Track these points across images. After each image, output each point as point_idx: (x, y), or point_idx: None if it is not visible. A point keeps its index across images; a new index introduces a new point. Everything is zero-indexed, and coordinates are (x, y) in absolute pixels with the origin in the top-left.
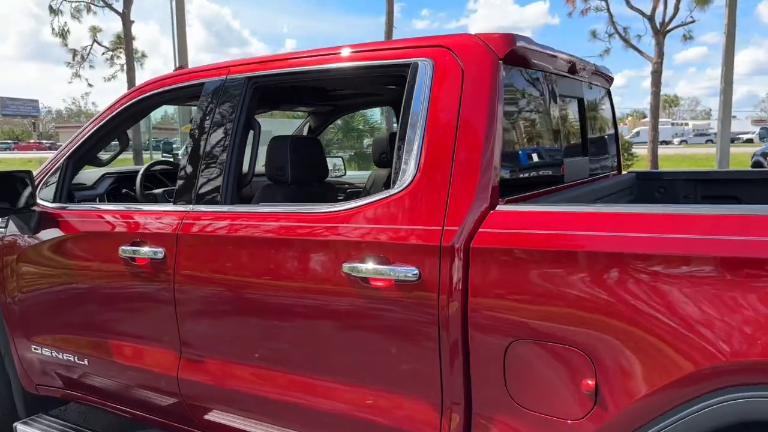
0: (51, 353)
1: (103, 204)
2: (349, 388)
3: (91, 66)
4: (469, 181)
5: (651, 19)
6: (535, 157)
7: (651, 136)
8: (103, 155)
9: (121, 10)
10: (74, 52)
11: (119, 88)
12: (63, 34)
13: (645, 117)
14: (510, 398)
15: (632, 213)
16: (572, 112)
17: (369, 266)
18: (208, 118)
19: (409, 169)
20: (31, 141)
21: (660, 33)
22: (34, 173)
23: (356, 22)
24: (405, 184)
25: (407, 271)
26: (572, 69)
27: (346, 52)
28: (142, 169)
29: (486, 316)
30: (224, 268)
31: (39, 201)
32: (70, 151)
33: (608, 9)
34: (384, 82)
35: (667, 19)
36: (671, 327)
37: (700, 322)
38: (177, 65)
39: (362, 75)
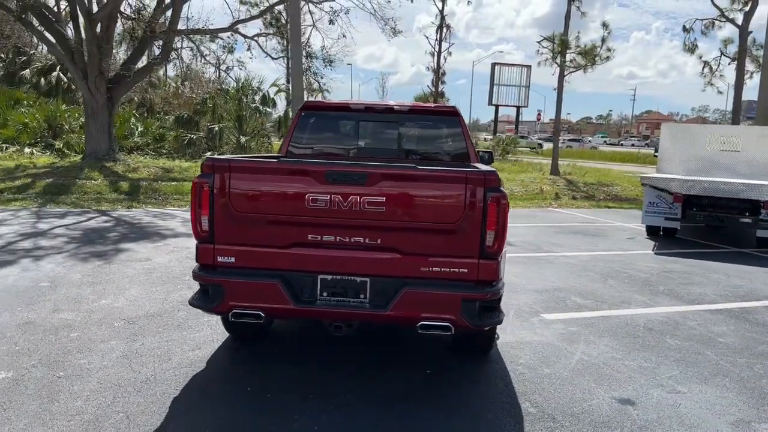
0: None
1: None
2: None
3: (721, 75)
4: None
5: None
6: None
7: None
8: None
9: (740, 23)
10: (705, 64)
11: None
12: (692, 48)
13: None
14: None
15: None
16: (384, 128)
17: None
18: None
19: None
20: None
21: None
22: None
23: None
24: None
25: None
26: (369, 109)
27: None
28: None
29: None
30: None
31: None
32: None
33: None
34: None
35: None
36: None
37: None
38: None
39: None
